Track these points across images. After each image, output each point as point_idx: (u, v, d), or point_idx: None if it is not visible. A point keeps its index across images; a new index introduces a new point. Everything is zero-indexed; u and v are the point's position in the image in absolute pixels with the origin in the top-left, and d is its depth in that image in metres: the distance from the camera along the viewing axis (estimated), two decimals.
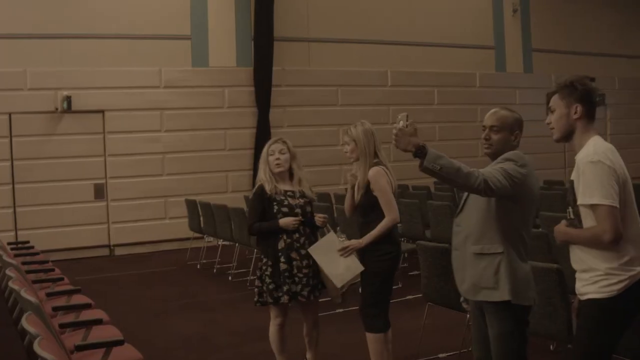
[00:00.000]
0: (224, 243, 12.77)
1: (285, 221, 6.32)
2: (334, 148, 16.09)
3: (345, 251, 6.15)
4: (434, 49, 18.96)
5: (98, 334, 5.68)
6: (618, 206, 4.08)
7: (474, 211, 4.75)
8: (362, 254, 6.18)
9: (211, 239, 13.22)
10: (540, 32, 20.86)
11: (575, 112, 4.32)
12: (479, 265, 4.70)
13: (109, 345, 5.08)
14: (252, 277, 10.93)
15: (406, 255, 11.44)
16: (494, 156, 4.76)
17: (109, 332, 5.86)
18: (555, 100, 4.41)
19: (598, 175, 4.09)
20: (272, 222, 6.38)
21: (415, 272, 10.14)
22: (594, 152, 4.17)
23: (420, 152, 4.26)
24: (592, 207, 4.11)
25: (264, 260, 6.47)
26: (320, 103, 17.24)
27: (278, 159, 6.48)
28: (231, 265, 12.16)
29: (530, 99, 19.19)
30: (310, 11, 17.22)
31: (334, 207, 12.36)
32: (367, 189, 6.11)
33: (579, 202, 4.21)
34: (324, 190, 14.52)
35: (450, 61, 19.20)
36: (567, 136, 4.40)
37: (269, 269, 6.38)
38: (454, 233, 4.93)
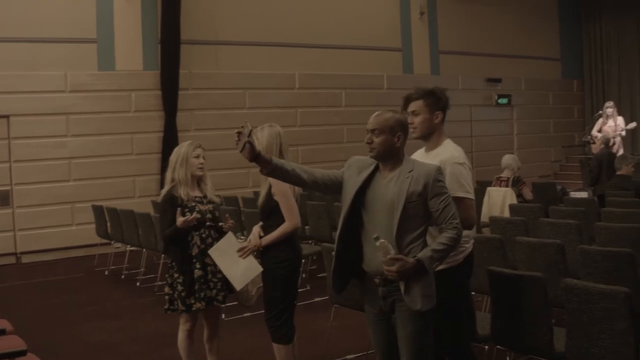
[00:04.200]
0: (131, 249, 12.68)
1: (180, 221, 6.22)
2: None
3: (243, 252, 6.12)
4: (342, 51, 19.12)
5: (1, 344, 5.59)
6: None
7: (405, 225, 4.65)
8: (261, 258, 6.18)
9: (119, 244, 13.11)
10: (447, 35, 21.24)
11: (437, 118, 5.24)
12: (425, 276, 4.60)
13: (12, 356, 5.04)
14: (160, 283, 10.91)
15: (314, 258, 11.52)
16: (379, 158, 4.73)
17: (12, 343, 5.76)
18: (419, 105, 5.23)
19: (463, 175, 5.03)
20: (172, 227, 6.31)
21: (323, 274, 10.23)
22: (458, 155, 5.11)
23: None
24: (459, 199, 4.90)
25: (175, 267, 6.43)
26: (227, 106, 17.22)
27: (202, 163, 6.52)
28: (139, 270, 12.08)
29: None
30: (217, 14, 17.17)
31: (241, 211, 12.38)
32: (269, 193, 6.13)
33: None
34: (231, 194, 14.54)
35: (357, 63, 19.37)
36: (426, 136, 5.28)
37: (181, 276, 6.35)
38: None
